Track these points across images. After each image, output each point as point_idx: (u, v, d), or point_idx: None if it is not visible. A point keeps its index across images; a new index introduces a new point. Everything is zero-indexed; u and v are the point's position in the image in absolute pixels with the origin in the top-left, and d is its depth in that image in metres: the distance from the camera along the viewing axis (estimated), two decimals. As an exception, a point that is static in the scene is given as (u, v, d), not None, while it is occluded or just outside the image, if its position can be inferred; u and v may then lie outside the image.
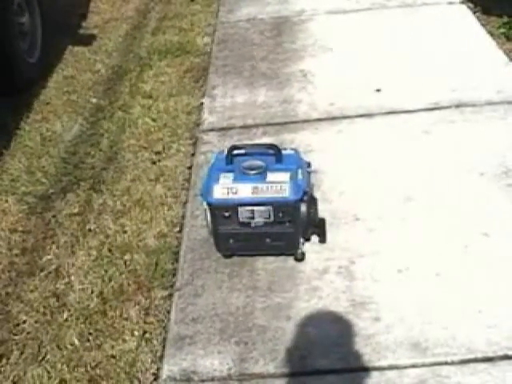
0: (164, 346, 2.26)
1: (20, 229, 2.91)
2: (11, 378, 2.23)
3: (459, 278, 2.36)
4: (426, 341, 2.13)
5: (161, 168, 3.19)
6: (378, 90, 3.53)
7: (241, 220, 2.40)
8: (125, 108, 3.76)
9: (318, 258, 2.50)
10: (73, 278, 2.60)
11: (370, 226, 2.62)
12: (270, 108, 3.52)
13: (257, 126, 3.38)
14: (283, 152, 2.50)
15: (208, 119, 3.51)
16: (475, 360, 2.06)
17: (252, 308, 2.34)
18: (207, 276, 2.50)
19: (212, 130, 3.40)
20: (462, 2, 4.42)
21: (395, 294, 2.32)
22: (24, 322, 2.44)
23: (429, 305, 2.26)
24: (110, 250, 2.71)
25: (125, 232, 2.80)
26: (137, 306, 2.44)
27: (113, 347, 2.29)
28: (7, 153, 3.46)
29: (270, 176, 2.40)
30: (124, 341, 2.31)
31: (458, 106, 3.31)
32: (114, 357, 2.25)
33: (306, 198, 2.40)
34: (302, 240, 2.46)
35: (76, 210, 2.97)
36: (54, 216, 2.96)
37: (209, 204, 2.41)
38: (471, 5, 4.38)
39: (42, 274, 2.65)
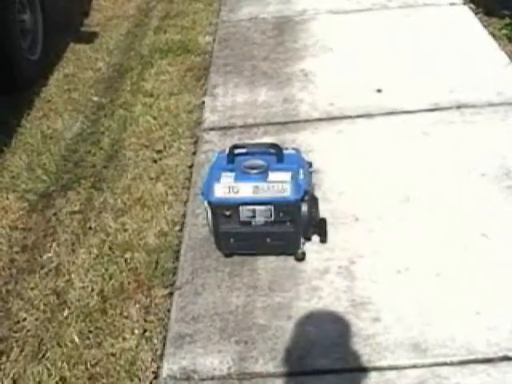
0: (164, 345, 2.26)
1: (20, 226, 2.91)
2: (11, 375, 2.23)
3: (459, 278, 2.36)
4: (426, 341, 2.14)
5: (162, 166, 3.19)
6: (379, 91, 3.53)
7: (242, 219, 2.41)
8: (126, 106, 3.76)
9: (318, 257, 2.50)
10: (73, 275, 2.61)
11: (370, 226, 2.63)
12: (271, 107, 3.52)
13: (258, 125, 3.38)
14: (284, 151, 2.49)
15: (209, 118, 3.51)
16: (475, 361, 2.07)
17: (252, 307, 2.34)
18: (208, 275, 2.50)
19: (213, 128, 3.41)
20: (464, 3, 4.42)
21: (395, 295, 2.32)
22: (24, 319, 2.44)
23: (428, 305, 2.27)
24: (110, 248, 2.71)
25: (125, 230, 2.80)
26: (137, 305, 2.44)
27: (113, 345, 2.29)
28: (8, 150, 3.46)
29: (271, 175, 2.39)
30: (124, 339, 2.31)
31: (458, 107, 3.32)
32: (114, 355, 2.26)
33: (307, 197, 2.40)
34: (302, 240, 2.46)
35: (77, 208, 2.98)
36: (54, 214, 2.96)
37: (210, 203, 2.41)
38: (473, 6, 4.39)
39: (43, 271, 2.65)
